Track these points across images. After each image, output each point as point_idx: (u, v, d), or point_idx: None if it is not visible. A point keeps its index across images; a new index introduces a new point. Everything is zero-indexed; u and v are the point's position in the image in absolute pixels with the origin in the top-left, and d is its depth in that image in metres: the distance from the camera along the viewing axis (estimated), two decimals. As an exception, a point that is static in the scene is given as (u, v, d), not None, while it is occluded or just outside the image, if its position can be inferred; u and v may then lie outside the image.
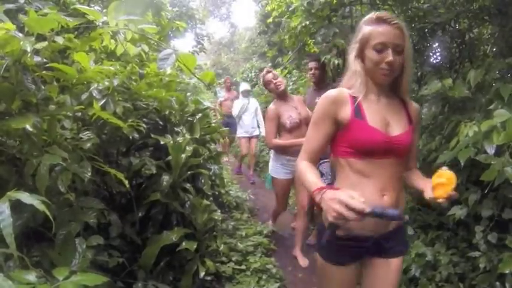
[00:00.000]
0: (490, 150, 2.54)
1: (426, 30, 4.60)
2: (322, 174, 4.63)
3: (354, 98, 1.85)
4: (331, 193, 1.51)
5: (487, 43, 4.83)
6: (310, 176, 1.78)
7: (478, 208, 3.03)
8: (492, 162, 2.49)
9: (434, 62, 5.04)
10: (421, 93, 3.77)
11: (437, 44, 5.02)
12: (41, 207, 1.24)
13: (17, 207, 1.34)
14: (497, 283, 2.71)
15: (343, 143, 1.88)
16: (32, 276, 1.21)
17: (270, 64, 13.84)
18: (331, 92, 1.88)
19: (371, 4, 5.26)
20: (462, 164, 2.74)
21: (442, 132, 3.57)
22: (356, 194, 1.46)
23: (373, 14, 1.84)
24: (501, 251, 2.81)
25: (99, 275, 1.39)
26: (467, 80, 3.13)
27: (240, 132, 8.45)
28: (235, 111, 8.39)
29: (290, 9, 5.18)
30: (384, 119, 1.87)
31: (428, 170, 3.70)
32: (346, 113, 1.83)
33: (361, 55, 1.88)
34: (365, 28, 1.85)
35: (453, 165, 2.91)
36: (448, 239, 3.53)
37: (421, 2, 4.92)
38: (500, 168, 2.44)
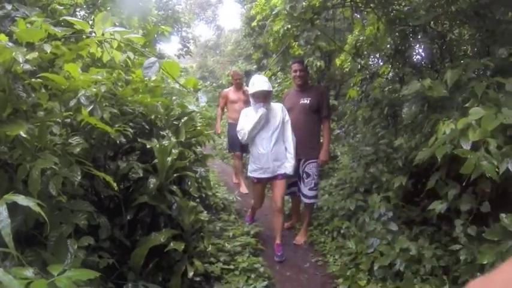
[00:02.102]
0: (466, 146, 2.63)
1: (408, 32, 4.71)
2: (308, 175, 4.73)
3: None
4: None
5: (467, 43, 4.96)
6: None
7: (457, 203, 3.14)
8: (469, 157, 2.59)
9: (416, 62, 5.16)
10: (401, 93, 3.87)
11: (418, 45, 5.14)
12: (36, 208, 1.30)
13: (9, 211, 1.40)
14: (479, 274, 2.80)
15: None
16: (29, 272, 1.28)
17: (255, 66, 13.90)
18: None
19: (353, 7, 5.36)
20: (439, 159, 2.84)
21: (422, 131, 3.67)
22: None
23: None
24: (481, 243, 2.90)
25: (91, 271, 1.45)
26: (444, 79, 3.23)
27: (253, 169, 4.65)
28: (243, 129, 4.52)
29: (273, 12, 5.26)
30: None
31: (410, 168, 3.84)
32: None
33: None
34: None
35: (432, 162, 3.01)
36: (431, 234, 3.63)
37: (402, 4, 5.03)
38: (477, 162, 2.54)
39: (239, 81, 7.23)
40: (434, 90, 3.26)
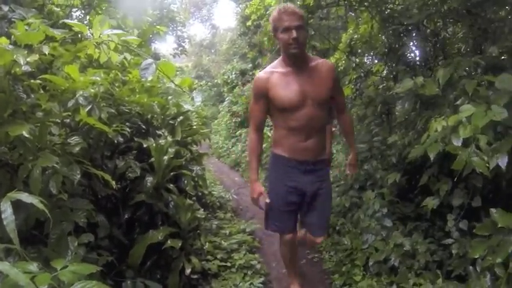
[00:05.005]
0: (457, 143, 2.68)
1: (401, 30, 4.76)
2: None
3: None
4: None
5: (461, 41, 5.01)
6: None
7: (449, 198, 3.21)
8: (459, 153, 2.64)
9: (410, 60, 5.20)
10: (394, 91, 3.93)
11: (412, 43, 5.19)
12: (40, 206, 1.35)
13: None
14: (471, 267, 2.86)
15: None
16: (33, 267, 1.33)
17: (250, 65, 13.92)
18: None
19: (347, 6, 5.40)
20: (432, 158, 2.90)
21: (415, 128, 3.73)
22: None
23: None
24: (473, 237, 2.95)
25: (92, 265, 1.51)
26: (436, 77, 3.28)
27: None
28: None
29: (268, 12, 5.30)
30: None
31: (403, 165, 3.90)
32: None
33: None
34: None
35: (425, 158, 3.06)
36: (425, 229, 3.68)
37: (396, 3, 5.08)
38: (467, 158, 2.59)
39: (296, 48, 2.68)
40: (426, 88, 3.31)
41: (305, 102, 2.72)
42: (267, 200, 2.87)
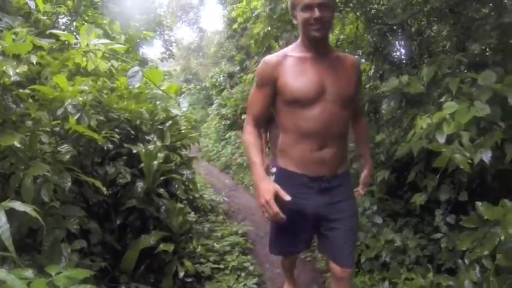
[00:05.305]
0: (441, 139, 2.74)
1: (386, 30, 4.83)
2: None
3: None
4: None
5: (445, 40, 5.08)
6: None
7: (436, 193, 3.27)
8: (443, 150, 2.70)
9: (395, 59, 5.27)
10: (381, 89, 3.98)
11: (397, 43, 5.26)
12: (33, 213, 1.38)
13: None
14: (460, 261, 2.91)
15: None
16: (28, 273, 1.35)
17: (238, 68, 13.93)
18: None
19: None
20: (415, 154, 2.96)
21: (401, 126, 3.78)
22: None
23: None
24: (461, 231, 3.01)
25: (86, 270, 1.54)
26: (421, 76, 3.34)
27: None
28: None
29: (254, 14, 5.34)
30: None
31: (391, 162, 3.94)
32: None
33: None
34: None
35: (412, 155, 3.12)
36: (415, 225, 3.74)
37: (381, 3, 5.15)
38: (451, 155, 2.65)
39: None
40: (411, 87, 3.37)
41: (323, 96, 2.18)
42: (287, 198, 2.01)
